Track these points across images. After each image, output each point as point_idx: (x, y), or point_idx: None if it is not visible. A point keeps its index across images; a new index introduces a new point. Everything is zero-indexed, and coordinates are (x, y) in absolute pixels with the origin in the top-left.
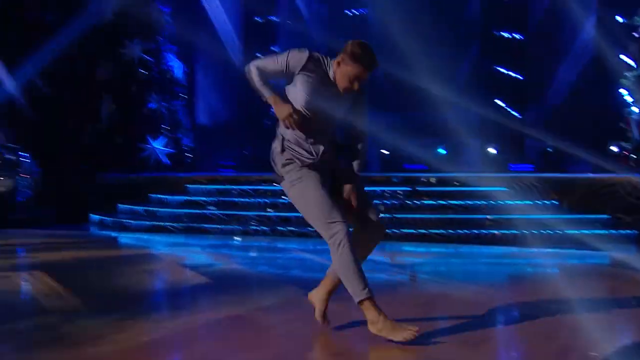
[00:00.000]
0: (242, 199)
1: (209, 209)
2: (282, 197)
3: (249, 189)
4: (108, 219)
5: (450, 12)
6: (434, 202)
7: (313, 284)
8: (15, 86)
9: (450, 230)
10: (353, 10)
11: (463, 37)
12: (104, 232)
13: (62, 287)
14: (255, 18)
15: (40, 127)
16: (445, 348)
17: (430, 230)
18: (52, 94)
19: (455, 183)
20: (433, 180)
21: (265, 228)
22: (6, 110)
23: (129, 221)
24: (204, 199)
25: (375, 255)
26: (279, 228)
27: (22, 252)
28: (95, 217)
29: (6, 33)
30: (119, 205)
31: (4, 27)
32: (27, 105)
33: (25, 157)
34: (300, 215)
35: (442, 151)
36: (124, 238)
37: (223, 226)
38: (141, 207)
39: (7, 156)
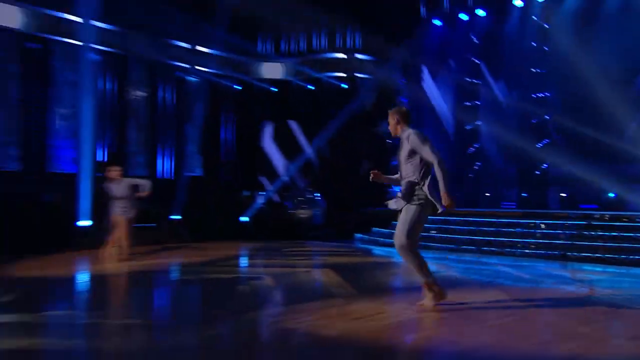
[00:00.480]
0: (457, 227)
1: (431, 232)
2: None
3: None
4: (366, 237)
5: (617, 89)
6: (607, 234)
7: (511, 288)
8: (312, 153)
9: (622, 255)
10: (539, 94)
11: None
12: (363, 245)
13: (342, 280)
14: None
15: (325, 177)
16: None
17: (605, 255)
18: (331, 158)
19: (624, 219)
20: (606, 217)
21: (472, 247)
22: (306, 167)
23: (379, 239)
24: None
25: (559, 272)
26: (483, 248)
27: (315, 256)
28: (358, 235)
29: (306, 122)
30: (373, 228)
31: (305, 119)
32: (317, 164)
33: (317, 196)
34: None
35: (612, 195)
36: (376, 250)
37: (439, 244)
38: (386, 230)
39: (308, 195)
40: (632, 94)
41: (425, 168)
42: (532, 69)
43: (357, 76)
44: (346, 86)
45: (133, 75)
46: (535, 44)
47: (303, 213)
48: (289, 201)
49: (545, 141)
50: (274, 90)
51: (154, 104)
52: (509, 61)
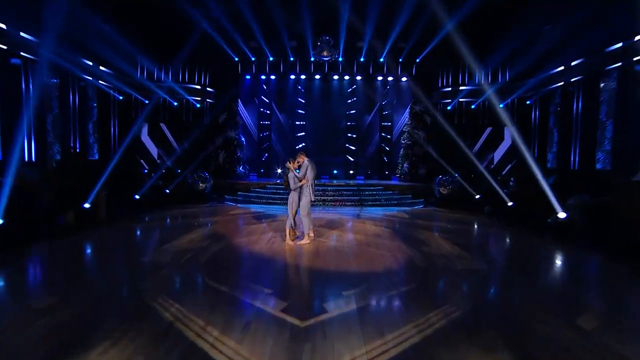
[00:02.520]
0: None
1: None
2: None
3: None
4: (231, 197)
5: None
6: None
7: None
8: (178, 146)
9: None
10: (301, 122)
11: None
12: (231, 203)
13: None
14: (261, 122)
15: (187, 161)
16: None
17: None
18: (193, 149)
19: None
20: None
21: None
22: (175, 154)
23: (239, 198)
24: None
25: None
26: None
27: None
28: (227, 197)
29: (173, 125)
30: (238, 192)
31: (171, 123)
32: (181, 153)
33: (205, 174)
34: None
35: (335, 171)
36: (241, 205)
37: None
38: (244, 193)
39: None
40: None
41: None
42: (297, 110)
43: (207, 100)
44: (199, 105)
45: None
46: (300, 99)
47: (201, 185)
48: (191, 177)
49: (302, 145)
50: (145, 102)
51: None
52: (286, 103)
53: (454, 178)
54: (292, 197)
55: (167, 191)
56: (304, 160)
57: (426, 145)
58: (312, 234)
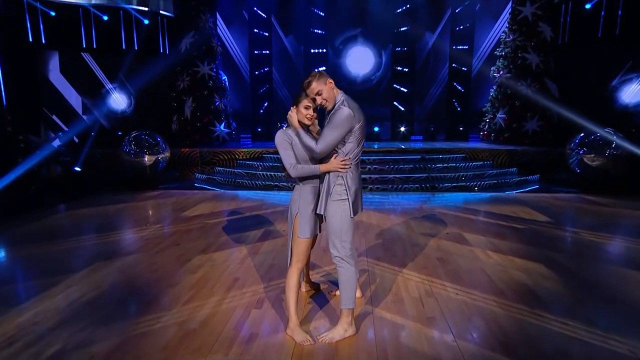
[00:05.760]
0: None
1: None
2: None
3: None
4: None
5: None
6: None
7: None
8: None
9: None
10: (319, 49)
11: None
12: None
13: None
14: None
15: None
16: None
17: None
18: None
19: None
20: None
21: None
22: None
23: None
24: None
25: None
26: None
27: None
28: (198, 175)
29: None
30: (216, 167)
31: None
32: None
33: (158, 139)
34: None
35: (376, 129)
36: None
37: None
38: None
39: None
40: None
41: None
42: (313, 29)
43: (161, 12)
44: (147, 22)
45: None
46: (317, 10)
47: (147, 159)
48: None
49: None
50: (51, 14)
51: None
52: (296, 19)
53: (614, 139)
54: (302, 199)
55: (78, 169)
56: (334, 99)
57: (542, 80)
58: (359, 294)
